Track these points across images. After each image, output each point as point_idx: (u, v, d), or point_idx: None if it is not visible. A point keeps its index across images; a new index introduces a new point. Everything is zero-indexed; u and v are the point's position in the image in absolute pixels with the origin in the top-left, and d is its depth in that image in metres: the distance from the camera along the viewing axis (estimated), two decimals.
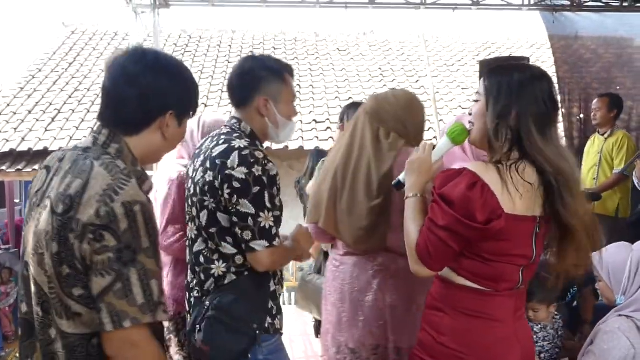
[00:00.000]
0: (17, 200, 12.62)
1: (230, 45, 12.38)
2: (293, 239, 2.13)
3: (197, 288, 2.02)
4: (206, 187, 1.90)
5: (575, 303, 3.41)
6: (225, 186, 1.86)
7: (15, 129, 9.04)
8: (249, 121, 2.03)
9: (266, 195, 1.88)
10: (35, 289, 1.43)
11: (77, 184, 1.37)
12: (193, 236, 2.03)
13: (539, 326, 2.80)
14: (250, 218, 1.86)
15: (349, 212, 2.27)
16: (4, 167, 8.43)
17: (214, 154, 1.92)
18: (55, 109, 9.57)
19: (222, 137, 1.98)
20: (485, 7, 6.65)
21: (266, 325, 1.96)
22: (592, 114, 4.96)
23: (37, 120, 9.23)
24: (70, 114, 9.42)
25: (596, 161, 4.91)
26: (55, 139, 8.66)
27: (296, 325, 5.12)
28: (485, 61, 5.86)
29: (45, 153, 8.25)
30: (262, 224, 1.87)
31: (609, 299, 2.28)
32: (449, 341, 1.66)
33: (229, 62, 11.48)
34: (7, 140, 8.71)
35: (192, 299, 2.06)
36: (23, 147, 8.52)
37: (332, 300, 2.40)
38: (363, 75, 11.14)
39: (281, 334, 2.04)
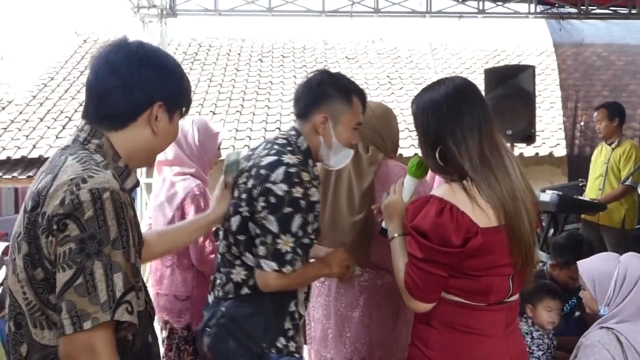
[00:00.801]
0: None
1: (239, 54, 12.47)
2: (324, 260, 2.03)
3: (218, 287, 1.99)
4: (245, 194, 1.87)
5: (577, 313, 3.39)
6: (262, 198, 1.81)
7: (27, 136, 9.17)
8: (306, 135, 1.96)
9: (296, 219, 1.81)
10: (9, 301, 1.31)
11: (48, 179, 1.27)
12: (221, 237, 2.00)
13: (538, 332, 2.79)
14: (270, 236, 1.81)
15: (332, 227, 2.26)
16: (15, 174, 8.56)
17: (261, 163, 1.86)
18: (66, 117, 9.69)
19: (275, 147, 1.92)
20: (491, 15, 6.67)
21: (279, 346, 1.90)
22: (596, 127, 4.90)
23: (49, 127, 9.36)
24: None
25: (602, 171, 4.84)
26: None
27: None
28: (491, 69, 5.85)
29: None
30: (279, 247, 1.81)
31: (592, 309, 2.25)
32: (437, 356, 1.64)
33: (237, 70, 11.57)
34: (19, 148, 8.84)
35: (212, 297, 2.03)
36: (34, 154, 8.63)
37: (317, 315, 2.38)
38: (371, 83, 11.17)
39: (296, 356, 1.93)
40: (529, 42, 13.36)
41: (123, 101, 1.37)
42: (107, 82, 1.37)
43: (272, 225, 1.80)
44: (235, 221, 1.89)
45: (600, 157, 4.91)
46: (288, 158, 1.85)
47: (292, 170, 1.82)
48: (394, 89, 10.89)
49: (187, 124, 2.71)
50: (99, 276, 1.19)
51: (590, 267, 2.25)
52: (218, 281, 2.00)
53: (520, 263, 1.64)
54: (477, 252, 1.55)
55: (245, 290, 1.91)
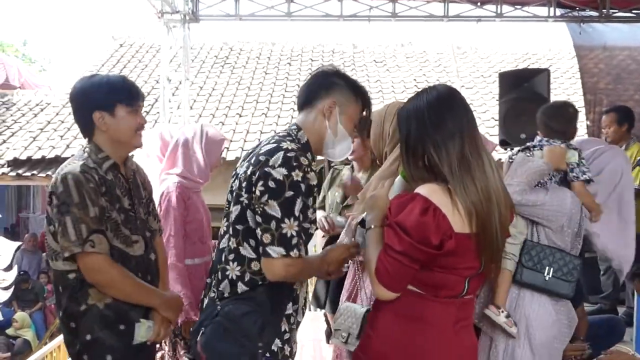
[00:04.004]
0: None
1: (269, 57, 12.68)
2: (323, 255, 2.02)
3: (213, 288, 1.96)
4: (244, 182, 1.86)
5: None
6: (260, 183, 1.80)
7: (61, 136, 9.57)
8: (308, 127, 1.97)
9: (298, 202, 1.80)
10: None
11: None
12: (222, 232, 1.97)
13: None
14: (274, 221, 1.79)
15: None
16: (49, 172, 8.93)
17: (261, 151, 1.87)
18: None
19: (276, 137, 1.95)
20: (509, 19, 6.64)
21: (274, 349, 1.88)
22: (604, 131, 4.82)
23: None
24: None
25: None
26: None
27: (309, 331, 5.22)
28: (505, 73, 5.83)
29: None
30: (284, 231, 1.79)
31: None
32: (378, 340, 1.71)
33: (266, 74, 11.77)
34: (54, 147, 9.23)
35: (207, 300, 1.99)
36: (67, 154, 9.00)
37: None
38: (397, 86, 11.20)
39: None
40: (563, 45, 13.14)
41: (80, 122, 2.16)
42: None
43: (275, 210, 1.78)
44: (235, 210, 1.88)
45: (629, 174, 4.82)
46: (287, 144, 1.86)
47: (290, 154, 1.82)
48: None
49: (197, 127, 2.91)
50: (69, 225, 1.96)
51: None
52: (214, 282, 1.97)
53: (485, 264, 1.71)
54: (448, 253, 1.62)
55: (241, 288, 1.87)
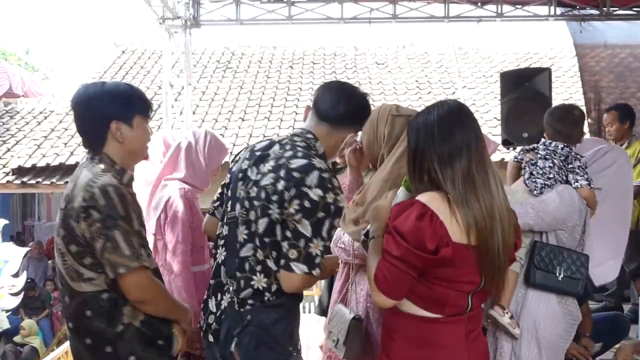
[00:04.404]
0: None
1: (270, 61, 12.71)
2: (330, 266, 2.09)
3: (232, 294, 2.00)
4: (275, 196, 1.90)
5: None
6: (296, 201, 1.87)
7: (65, 144, 9.61)
8: (325, 141, 2.05)
9: (327, 223, 1.89)
10: (57, 270, 1.99)
11: (71, 185, 1.94)
12: (242, 240, 1.99)
13: None
14: (303, 240, 1.87)
15: None
16: (54, 180, 8.98)
17: (291, 166, 1.91)
18: None
19: (299, 149, 1.98)
20: (510, 19, 6.65)
21: (299, 347, 2.01)
22: (606, 129, 4.83)
23: None
24: None
25: None
26: None
27: (315, 334, 5.23)
28: (507, 73, 5.84)
29: None
30: (311, 250, 1.88)
31: None
32: None
33: (268, 77, 11.80)
34: (58, 155, 9.27)
35: (224, 304, 2.04)
36: (71, 161, 9.03)
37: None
38: (399, 87, 11.22)
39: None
40: (564, 44, 13.12)
41: (90, 131, 2.02)
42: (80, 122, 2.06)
43: (306, 229, 1.87)
44: (262, 223, 1.93)
45: (631, 173, 4.82)
46: (318, 162, 1.93)
47: (326, 175, 1.91)
48: (421, 94, 10.90)
49: (201, 132, 2.92)
50: (119, 239, 1.84)
51: None
52: (233, 287, 2.01)
53: (486, 281, 1.72)
54: (444, 262, 1.63)
55: (268, 297, 1.95)
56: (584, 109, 7.63)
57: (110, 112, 1.97)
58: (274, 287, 1.94)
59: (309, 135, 2.03)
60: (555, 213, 2.55)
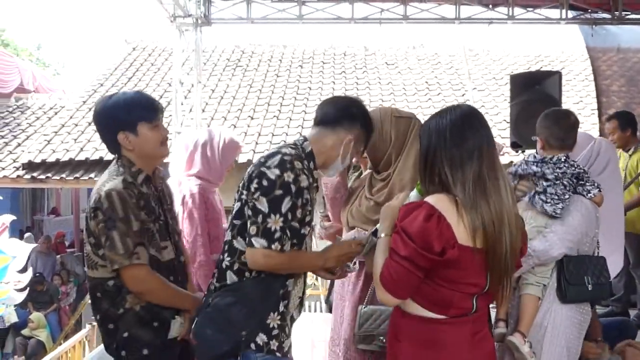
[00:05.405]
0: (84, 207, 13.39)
1: (280, 60, 12.72)
2: (323, 251, 2.15)
3: (213, 280, 2.14)
4: (246, 181, 2.04)
5: None
6: (255, 181, 1.97)
7: (75, 139, 9.65)
8: (319, 144, 2.12)
9: (286, 201, 1.95)
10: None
11: (96, 185, 2.21)
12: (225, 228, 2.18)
13: None
14: (261, 215, 1.95)
15: None
16: (63, 175, 9.04)
17: (263, 155, 2.08)
18: None
19: (282, 147, 2.10)
20: (521, 21, 6.63)
21: (259, 342, 2.00)
22: (610, 138, 4.77)
23: (95, 131, 9.78)
24: None
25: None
26: None
27: (320, 331, 5.23)
28: (516, 75, 5.82)
29: (100, 162, 8.78)
30: (269, 225, 1.95)
31: None
32: None
33: (277, 77, 11.81)
34: (67, 150, 9.32)
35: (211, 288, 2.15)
36: (81, 157, 9.09)
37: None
38: (409, 88, 11.20)
39: (277, 356, 2.04)
40: (573, 48, 13.05)
41: (106, 142, 2.28)
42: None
43: (263, 205, 1.96)
44: (236, 207, 2.07)
45: (619, 164, 4.80)
46: (286, 150, 2.04)
47: (287, 158, 1.99)
48: (431, 95, 10.88)
49: (216, 131, 3.08)
50: (116, 239, 2.07)
51: None
52: (212, 279, 2.15)
53: (492, 284, 1.74)
54: (450, 263, 1.65)
55: (230, 278, 2.05)
56: (595, 112, 7.60)
57: (115, 125, 2.19)
58: (236, 265, 2.03)
59: (300, 138, 2.15)
60: (580, 229, 2.56)
